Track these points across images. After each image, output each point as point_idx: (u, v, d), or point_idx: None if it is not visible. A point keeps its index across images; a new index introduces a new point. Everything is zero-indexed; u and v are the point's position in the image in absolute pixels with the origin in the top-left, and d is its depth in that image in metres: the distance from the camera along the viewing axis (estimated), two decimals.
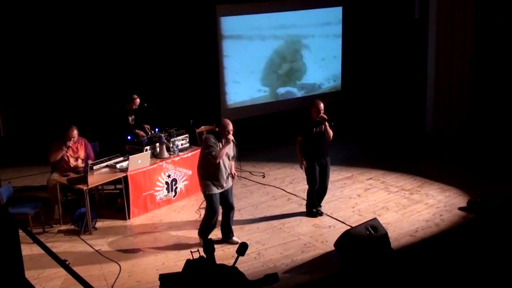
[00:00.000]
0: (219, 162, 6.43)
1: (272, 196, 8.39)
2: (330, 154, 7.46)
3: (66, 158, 7.61)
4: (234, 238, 6.80)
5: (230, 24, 11.40)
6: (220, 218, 6.82)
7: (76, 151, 7.72)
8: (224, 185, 6.58)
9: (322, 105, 7.13)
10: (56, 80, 10.23)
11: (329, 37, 12.84)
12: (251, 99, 12.06)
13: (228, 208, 6.79)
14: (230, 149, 6.60)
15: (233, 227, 6.87)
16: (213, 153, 6.38)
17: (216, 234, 6.78)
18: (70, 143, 7.58)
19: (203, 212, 7.73)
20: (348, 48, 13.10)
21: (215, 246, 3.89)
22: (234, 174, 6.78)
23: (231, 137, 6.43)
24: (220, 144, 6.44)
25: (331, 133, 7.18)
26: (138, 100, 8.71)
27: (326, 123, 7.12)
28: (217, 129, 6.63)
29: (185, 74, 11.10)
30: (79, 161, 7.72)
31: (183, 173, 8.25)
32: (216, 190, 6.55)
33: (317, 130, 7.20)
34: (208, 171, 6.51)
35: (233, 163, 6.76)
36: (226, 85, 11.60)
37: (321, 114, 7.09)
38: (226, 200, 6.71)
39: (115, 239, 7.04)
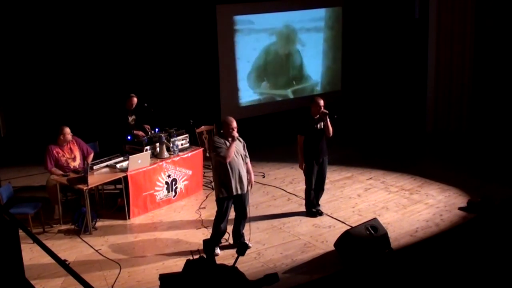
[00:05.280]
0: (229, 164, 6.22)
1: (272, 196, 8.38)
2: (328, 153, 7.47)
3: (64, 162, 7.61)
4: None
5: (229, 24, 11.40)
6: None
7: (71, 151, 7.72)
8: (237, 190, 6.32)
9: (322, 101, 7.15)
10: (56, 80, 10.23)
11: (329, 37, 12.86)
12: (250, 99, 12.06)
13: (240, 216, 6.59)
14: (239, 147, 6.41)
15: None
16: (221, 154, 6.20)
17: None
18: (66, 144, 7.63)
19: (203, 212, 7.77)
20: (348, 48, 13.11)
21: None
22: (251, 182, 6.53)
23: (235, 134, 6.26)
24: (227, 143, 6.25)
25: (331, 129, 7.19)
26: (135, 99, 8.70)
27: (328, 118, 7.13)
28: (222, 131, 6.39)
29: (185, 74, 11.11)
30: (77, 160, 7.74)
31: (183, 173, 8.25)
32: (226, 195, 6.32)
33: (318, 127, 7.21)
34: (220, 175, 6.31)
35: (249, 165, 6.51)
36: (226, 85, 11.60)
37: (322, 110, 7.11)
38: (239, 207, 6.52)
39: (115, 239, 7.04)
